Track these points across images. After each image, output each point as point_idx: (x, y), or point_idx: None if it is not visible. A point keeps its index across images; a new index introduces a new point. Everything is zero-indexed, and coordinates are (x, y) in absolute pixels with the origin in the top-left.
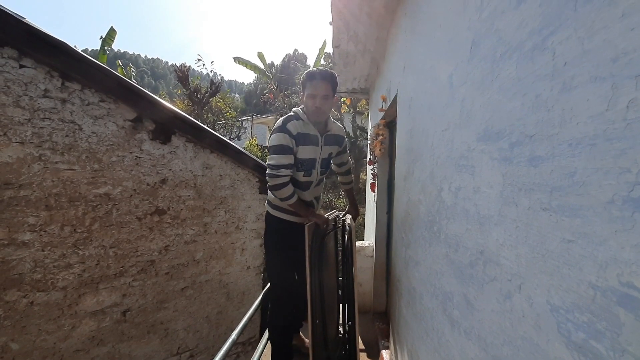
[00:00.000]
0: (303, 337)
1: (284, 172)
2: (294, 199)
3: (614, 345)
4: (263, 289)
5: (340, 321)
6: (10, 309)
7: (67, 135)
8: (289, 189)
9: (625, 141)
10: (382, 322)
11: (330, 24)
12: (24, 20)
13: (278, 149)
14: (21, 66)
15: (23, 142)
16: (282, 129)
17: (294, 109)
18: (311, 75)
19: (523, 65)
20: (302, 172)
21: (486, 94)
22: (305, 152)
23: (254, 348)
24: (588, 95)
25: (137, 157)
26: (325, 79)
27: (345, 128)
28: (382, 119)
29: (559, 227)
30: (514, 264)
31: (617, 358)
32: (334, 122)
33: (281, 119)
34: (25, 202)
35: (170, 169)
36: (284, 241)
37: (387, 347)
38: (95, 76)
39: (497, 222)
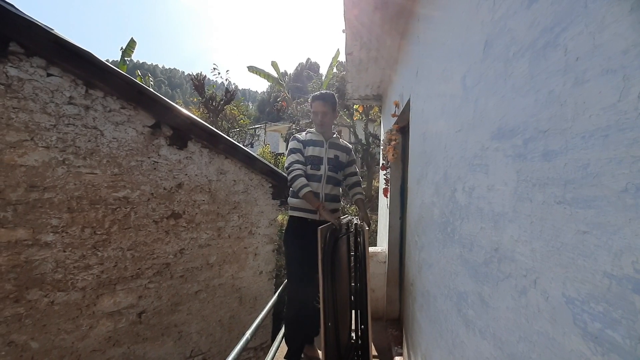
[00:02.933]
0: (316, 348)
1: (296, 166)
2: (306, 189)
3: (630, 332)
4: (275, 294)
5: (353, 327)
6: (31, 308)
7: (89, 141)
8: (302, 180)
9: (637, 130)
10: (395, 328)
11: (343, 32)
12: (52, 31)
13: (291, 151)
14: (48, 75)
15: (48, 146)
16: (294, 137)
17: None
18: (313, 98)
19: (536, 63)
20: (310, 166)
21: (500, 93)
22: (310, 151)
23: (266, 354)
24: (600, 88)
25: (155, 162)
26: (323, 99)
27: (357, 135)
28: (394, 124)
29: (573, 219)
30: (529, 259)
31: (634, 345)
32: (339, 138)
33: None
34: (49, 204)
35: (186, 174)
36: (297, 236)
37: (400, 354)
38: (117, 84)
39: (511, 219)
